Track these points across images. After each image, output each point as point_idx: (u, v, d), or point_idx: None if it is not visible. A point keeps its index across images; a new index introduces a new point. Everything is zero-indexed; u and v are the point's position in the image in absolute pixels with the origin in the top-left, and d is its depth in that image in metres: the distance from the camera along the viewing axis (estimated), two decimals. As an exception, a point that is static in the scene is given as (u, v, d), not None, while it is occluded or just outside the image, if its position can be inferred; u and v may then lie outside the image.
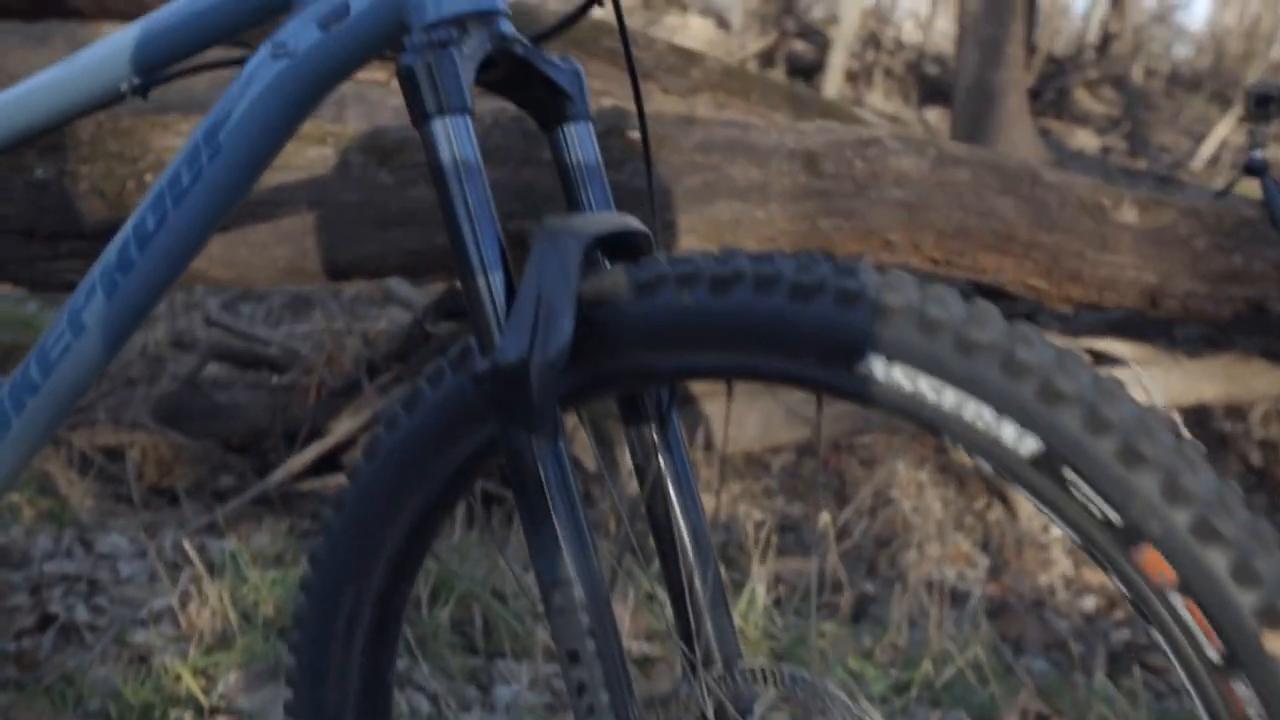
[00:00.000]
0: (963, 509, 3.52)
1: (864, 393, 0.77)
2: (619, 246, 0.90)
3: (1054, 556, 3.36)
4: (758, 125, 2.11)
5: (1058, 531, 3.41)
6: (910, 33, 12.06)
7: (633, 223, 0.90)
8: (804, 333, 0.78)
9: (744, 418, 3.35)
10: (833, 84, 8.12)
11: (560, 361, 0.81)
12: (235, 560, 2.02)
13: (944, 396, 0.74)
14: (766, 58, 10.05)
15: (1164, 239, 2.25)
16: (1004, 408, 0.73)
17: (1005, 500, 3.47)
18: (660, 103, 3.31)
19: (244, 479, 2.81)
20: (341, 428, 2.75)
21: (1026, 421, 0.72)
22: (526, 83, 0.93)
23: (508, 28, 0.90)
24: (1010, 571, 3.26)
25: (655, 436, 0.93)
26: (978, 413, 0.74)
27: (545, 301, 0.81)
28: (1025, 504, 3.43)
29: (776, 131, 2.08)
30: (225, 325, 3.03)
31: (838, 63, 8.10)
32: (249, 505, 2.61)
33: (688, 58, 3.38)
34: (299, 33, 0.94)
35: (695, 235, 2.00)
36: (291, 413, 2.83)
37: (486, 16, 0.89)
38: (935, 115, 9.18)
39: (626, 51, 0.95)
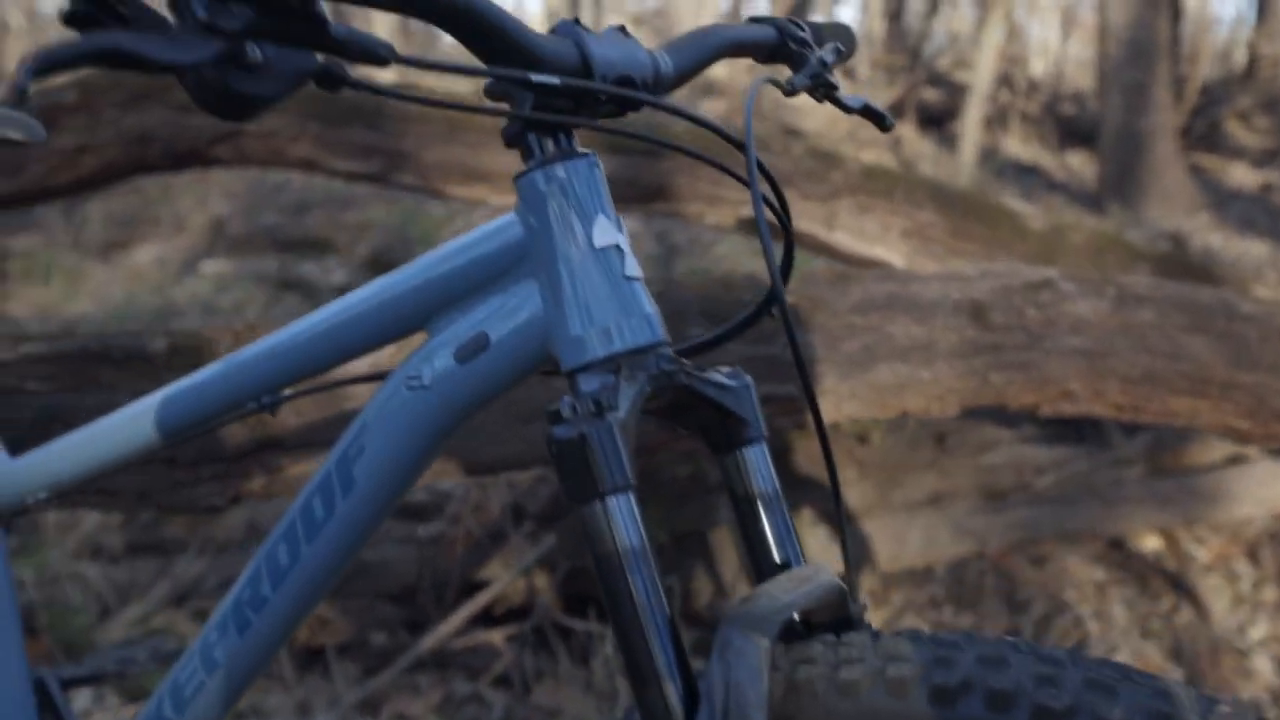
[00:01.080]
0: (1147, 612, 3.24)
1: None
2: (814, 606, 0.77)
3: (1256, 665, 3.04)
4: (917, 276, 1.96)
5: (1258, 633, 3.12)
6: (1041, 67, 11.71)
7: (826, 579, 0.78)
8: (1053, 763, 0.64)
9: (905, 535, 3.18)
10: (970, 137, 7.87)
11: (754, 788, 0.68)
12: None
13: None
14: (896, 108, 9.84)
15: (1383, 367, 2.02)
16: None
17: (1195, 599, 3.19)
18: (800, 209, 3.19)
19: (395, 635, 2.75)
20: (494, 581, 2.67)
21: None
22: (691, 408, 0.81)
23: (667, 357, 0.79)
24: (1206, 684, 2.95)
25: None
26: None
27: (733, 714, 0.69)
28: (1217, 602, 3.16)
29: (938, 281, 1.93)
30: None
31: (975, 115, 7.85)
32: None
33: (826, 161, 3.25)
34: (433, 363, 0.84)
35: (857, 402, 1.86)
36: (439, 564, 2.77)
37: (644, 353, 0.77)
38: (1078, 159, 8.83)
39: (798, 362, 0.82)
